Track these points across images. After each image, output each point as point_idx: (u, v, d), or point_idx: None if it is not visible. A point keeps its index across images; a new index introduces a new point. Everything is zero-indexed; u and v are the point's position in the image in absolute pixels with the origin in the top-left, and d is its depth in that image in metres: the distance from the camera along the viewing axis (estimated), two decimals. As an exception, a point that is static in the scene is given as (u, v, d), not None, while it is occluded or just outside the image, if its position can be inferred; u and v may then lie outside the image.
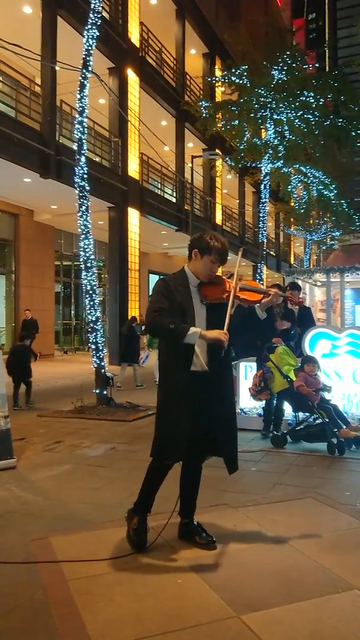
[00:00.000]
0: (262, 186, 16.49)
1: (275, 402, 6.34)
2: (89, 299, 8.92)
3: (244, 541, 3.34)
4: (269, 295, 3.16)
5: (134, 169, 17.49)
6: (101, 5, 9.40)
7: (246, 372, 7.21)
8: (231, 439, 3.27)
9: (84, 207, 8.88)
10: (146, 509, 3.29)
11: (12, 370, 8.36)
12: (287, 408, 6.37)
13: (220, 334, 3.01)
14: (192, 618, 2.47)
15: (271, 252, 31.68)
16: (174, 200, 21.09)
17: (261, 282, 16.71)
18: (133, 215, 17.34)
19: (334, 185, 18.23)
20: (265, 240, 17.29)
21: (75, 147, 9.36)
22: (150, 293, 3.23)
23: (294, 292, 7.35)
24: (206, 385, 3.13)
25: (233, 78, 14.54)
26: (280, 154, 15.14)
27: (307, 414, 5.98)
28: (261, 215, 16.98)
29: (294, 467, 5.13)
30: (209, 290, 3.18)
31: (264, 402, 6.44)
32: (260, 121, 14.55)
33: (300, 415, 6.09)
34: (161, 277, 3.30)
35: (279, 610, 2.54)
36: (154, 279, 21.89)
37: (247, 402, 7.07)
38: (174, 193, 21.38)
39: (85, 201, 8.89)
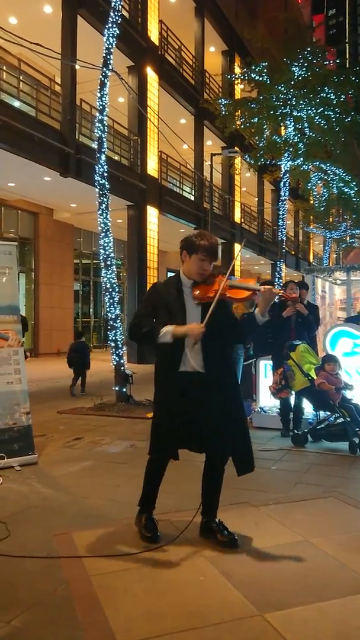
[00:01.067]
0: (282, 184, 16.39)
1: (292, 401, 6.30)
2: (108, 296, 8.95)
3: (266, 540, 3.32)
4: (257, 293, 3.11)
5: (152, 167, 17.51)
6: (121, 4, 9.41)
7: (266, 370, 7.17)
8: (240, 438, 3.21)
9: (103, 205, 8.92)
10: (150, 506, 3.35)
11: (74, 363, 9.95)
12: (307, 407, 6.32)
13: (193, 327, 3.03)
14: (214, 616, 2.45)
15: (290, 251, 31.47)
16: (192, 198, 21.06)
17: (280, 281, 16.60)
18: (152, 214, 17.37)
19: (354, 183, 18.01)
20: (284, 239, 17.18)
21: (94, 145, 9.40)
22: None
23: (302, 291, 7.28)
24: (201, 386, 3.11)
25: (253, 75, 14.46)
26: (300, 152, 15.02)
27: (328, 413, 5.93)
28: (280, 213, 16.88)
29: (315, 466, 5.08)
30: (200, 290, 3.16)
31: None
32: (280, 118, 14.45)
33: (321, 414, 6.04)
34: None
35: (303, 610, 2.52)
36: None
37: (267, 401, 7.03)
38: (193, 191, 21.35)
39: (105, 199, 8.92)
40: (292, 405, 6.31)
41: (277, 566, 2.97)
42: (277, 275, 17.45)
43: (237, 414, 3.23)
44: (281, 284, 15.63)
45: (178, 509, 3.65)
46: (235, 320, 3.26)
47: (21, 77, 12.85)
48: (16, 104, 12.49)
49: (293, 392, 6.18)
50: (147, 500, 3.36)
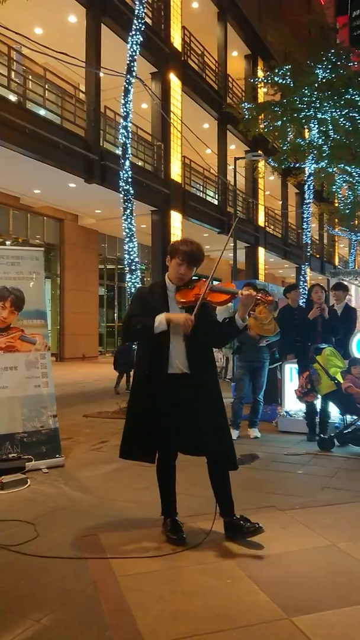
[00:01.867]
0: (306, 187, 16.28)
1: (318, 405, 6.24)
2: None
3: (293, 544, 3.30)
4: (236, 296, 3.19)
5: (176, 172, 17.59)
6: (144, 11, 9.51)
7: (291, 373, 7.12)
8: (214, 436, 3.24)
9: (128, 211, 9.00)
10: (171, 510, 3.41)
11: (120, 364, 10.71)
12: (333, 410, 6.26)
13: (184, 316, 3.10)
14: (242, 618, 2.45)
15: (315, 254, 31.20)
16: (216, 202, 21.07)
17: (305, 284, 16.46)
18: (175, 219, 17.43)
19: (380, 184, 17.81)
20: (309, 242, 17.06)
21: (119, 152, 9.50)
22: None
23: (337, 292, 7.21)
24: (186, 388, 3.20)
25: (276, 78, 14.43)
26: (324, 154, 14.91)
27: (355, 417, 5.86)
28: (305, 216, 16.76)
29: (342, 471, 5.03)
30: (182, 294, 3.25)
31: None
32: (304, 121, 14.38)
33: (348, 418, 5.98)
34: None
35: (331, 614, 2.49)
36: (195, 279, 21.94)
37: (293, 405, 6.98)
38: (216, 195, 21.36)
39: (129, 205, 9.00)
40: (318, 409, 6.25)
41: (304, 570, 2.95)
42: (302, 279, 17.30)
43: (219, 413, 3.30)
44: (306, 288, 15.52)
45: (203, 512, 3.65)
46: (216, 323, 3.34)
47: (47, 86, 13.07)
48: (42, 112, 12.70)
49: (319, 396, 6.13)
50: (165, 505, 3.44)
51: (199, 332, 3.15)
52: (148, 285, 3.47)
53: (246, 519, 3.30)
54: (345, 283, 10.56)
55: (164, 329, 3.14)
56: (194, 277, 3.36)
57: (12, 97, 11.89)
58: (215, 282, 3.40)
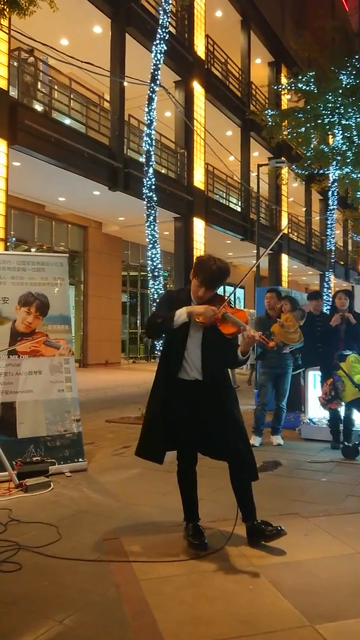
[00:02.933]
0: (330, 193, 16.18)
1: (342, 412, 6.17)
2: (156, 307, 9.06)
3: (316, 551, 3.27)
4: (243, 331, 3.15)
5: (199, 179, 17.65)
6: (168, 21, 9.62)
7: (315, 380, 7.06)
8: (230, 442, 3.26)
9: (151, 218, 9.07)
10: (193, 516, 3.41)
11: None
12: (358, 418, 6.18)
13: (205, 306, 3.17)
14: (264, 624, 2.43)
15: (339, 260, 30.91)
16: (239, 209, 21.07)
17: (329, 290, 16.32)
18: (198, 225, 17.47)
19: None
20: (333, 248, 16.92)
21: (142, 159, 9.59)
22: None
23: (314, 301, 7.24)
24: (198, 393, 3.26)
25: (299, 85, 14.41)
26: (348, 160, 14.80)
27: (380, 425, 5.77)
28: (329, 222, 16.64)
29: (366, 479, 4.96)
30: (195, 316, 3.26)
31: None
32: (327, 127, 14.31)
33: (373, 426, 5.90)
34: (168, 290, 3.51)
35: (355, 623, 2.46)
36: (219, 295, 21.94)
37: (316, 412, 6.92)
38: (239, 202, 21.36)
39: (152, 211, 9.07)
40: (342, 417, 6.18)
41: (327, 577, 2.92)
42: (326, 286, 17.17)
43: (235, 422, 3.30)
44: (330, 294, 15.38)
45: (225, 518, 3.64)
46: (230, 342, 3.27)
47: (72, 96, 13.28)
48: (67, 121, 12.90)
49: (343, 403, 6.06)
50: (187, 510, 3.45)
51: (213, 343, 3.26)
52: (177, 290, 3.54)
53: (267, 523, 3.31)
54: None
55: (185, 320, 3.19)
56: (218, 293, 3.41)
57: (39, 107, 12.11)
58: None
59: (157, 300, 3.47)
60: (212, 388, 3.28)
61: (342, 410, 6.15)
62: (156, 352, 9.44)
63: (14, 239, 15.40)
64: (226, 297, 3.35)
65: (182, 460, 3.42)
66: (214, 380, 3.30)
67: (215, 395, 3.29)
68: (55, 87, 12.94)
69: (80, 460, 5.22)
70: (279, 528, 3.24)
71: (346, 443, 5.94)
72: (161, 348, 3.72)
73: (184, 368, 3.28)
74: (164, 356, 3.43)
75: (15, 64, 11.33)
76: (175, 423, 3.32)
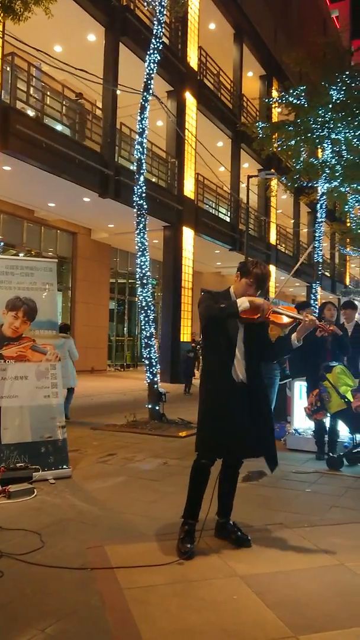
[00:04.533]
0: (319, 206, 16.33)
1: (327, 423, 6.19)
2: (144, 314, 9.04)
3: (301, 562, 3.26)
4: (299, 321, 3.38)
5: (189, 189, 17.73)
6: (162, 31, 9.69)
7: (301, 391, 7.08)
8: (268, 439, 3.50)
9: (141, 225, 9.07)
10: (192, 515, 3.42)
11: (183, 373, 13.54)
12: (343, 429, 6.20)
13: (264, 300, 3.32)
14: (248, 635, 2.42)
15: (326, 273, 31.18)
16: (228, 219, 21.19)
17: (315, 302, 16.43)
18: (187, 235, 17.53)
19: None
20: (320, 261, 17.06)
21: (133, 167, 9.61)
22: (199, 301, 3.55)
23: (347, 310, 7.23)
24: (243, 392, 3.39)
25: (290, 99, 14.57)
26: (337, 174, 14.97)
27: (365, 437, 5.80)
28: (317, 235, 16.79)
29: (351, 490, 4.97)
30: (245, 311, 3.35)
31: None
32: (317, 141, 14.47)
33: (358, 437, 5.92)
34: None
35: (340, 634, 2.46)
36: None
37: (302, 423, 6.93)
38: (229, 212, 21.49)
39: (142, 219, 9.08)
40: (328, 428, 6.20)
41: (312, 588, 2.91)
42: (313, 297, 17.28)
43: (268, 416, 3.57)
44: (317, 306, 15.50)
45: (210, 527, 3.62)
46: (269, 340, 3.56)
47: (64, 102, 13.29)
48: (58, 127, 12.90)
49: (329, 414, 6.08)
50: (189, 509, 3.44)
51: (254, 345, 3.43)
52: (215, 292, 3.59)
53: (238, 528, 3.50)
54: (356, 302, 10.55)
55: (247, 307, 3.28)
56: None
57: (31, 112, 12.11)
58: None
59: (201, 299, 3.52)
60: (255, 389, 3.43)
61: (327, 421, 6.18)
62: (143, 359, 9.40)
63: (2, 243, 15.32)
64: (267, 299, 3.50)
65: (205, 457, 3.41)
66: (257, 381, 3.46)
67: (257, 395, 3.45)
68: (48, 93, 12.96)
69: (64, 467, 5.18)
70: (247, 537, 3.46)
71: (331, 454, 5.96)
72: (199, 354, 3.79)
73: (235, 371, 3.39)
74: (212, 365, 3.47)
75: (8, 69, 11.33)
76: (213, 421, 3.38)
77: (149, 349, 9.04)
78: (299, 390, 7.11)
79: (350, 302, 7.59)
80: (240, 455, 3.55)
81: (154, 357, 9.01)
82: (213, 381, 3.45)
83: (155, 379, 8.95)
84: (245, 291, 3.41)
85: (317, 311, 14.81)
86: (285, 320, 3.41)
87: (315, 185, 16.44)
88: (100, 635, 2.41)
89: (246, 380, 3.40)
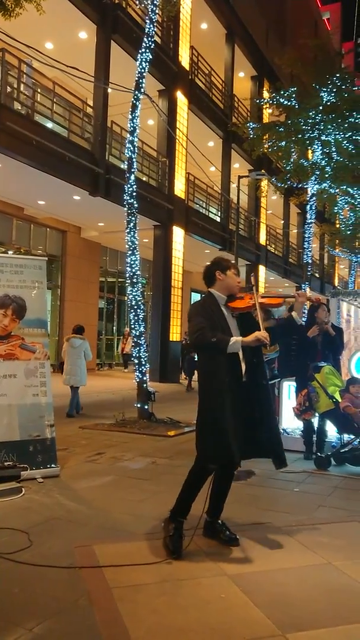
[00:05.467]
0: (308, 207, 16.41)
1: (315, 423, 6.23)
2: (133, 314, 9.03)
3: (288, 561, 3.28)
4: (285, 301, 3.69)
5: (180, 188, 17.72)
6: (154, 30, 9.68)
7: (289, 391, 7.12)
8: (275, 437, 3.56)
9: (131, 224, 9.06)
10: (182, 515, 3.44)
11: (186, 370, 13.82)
12: (331, 429, 6.24)
13: (259, 334, 3.36)
14: (236, 633, 2.43)
15: (315, 274, 31.35)
16: (218, 219, 21.22)
17: (305, 304, 16.51)
18: (178, 234, 17.52)
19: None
20: (310, 261, 17.15)
21: (124, 166, 9.59)
22: (188, 317, 3.60)
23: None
24: (245, 392, 3.42)
25: (281, 100, 14.62)
26: (327, 175, 15.06)
27: (353, 437, 5.85)
28: (306, 236, 16.87)
29: (338, 490, 5.01)
30: (235, 303, 3.58)
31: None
32: (307, 142, 14.55)
33: (345, 437, 5.96)
34: (200, 296, 3.70)
35: (326, 632, 2.48)
36: (195, 297, 21.99)
37: (290, 423, 6.96)
38: (219, 212, 21.52)
39: (133, 218, 9.07)
40: (316, 428, 6.24)
41: (299, 587, 2.93)
42: (302, 298, 17.36)
43: (272, 414, 3.62)
44: (306, 307, 15.56)
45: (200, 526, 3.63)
46: (297, 325, 3.86)
47: (55, 100, 13.22)
48: (49, 124, 12.84)
49: (317, 414, 6.12)
50: (181, 509, 3.44)
51: (254, 347, 3.47)
52: (202, 301, 3.66)
53: (227, 528, 3.53)
54: (345, 303, 10.63)
55: (238, 349, 3.37)
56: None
57: (21, 109, 12.03)
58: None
59: (190, 314, 3.53)
60: (255, 387, 3.48)
61: (315, 421, 6.22)
62: (132, 358, 9.39)
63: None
64: (251, 291, 3.61)
65: (213, 462, 3.41)
66: (257, 379, 3.51)
67: (259, 393, 3.49)
68: (38, 90, 12.88)
69: (53, 466, 5.16)
70: (235, 536, 3.48)
71: (319, 454, 6.00)
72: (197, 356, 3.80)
73: (235, 372, 3.42)
74: (217, 365, 3.43)
75: (-1, 65, 11.25)
76: (236, 426, 3.34)
77: (138, 348, 9.03)
78: (288, 390, 7.14)
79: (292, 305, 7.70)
80: (250, 456, 3.53)
81: (143, 357, 9.00)
82: (213, 383, 3.42)
83: (145, 378, 8.94)
84: (236, 281, 3.57)
85: (305, 312, 14.91)
86: (278, 300, 3.68)
87: (305, 187, 16.53)
88: (89, 634, 2.41)
89: (247, 379, 3.44)
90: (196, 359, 11.51)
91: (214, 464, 3.40)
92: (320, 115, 14.07)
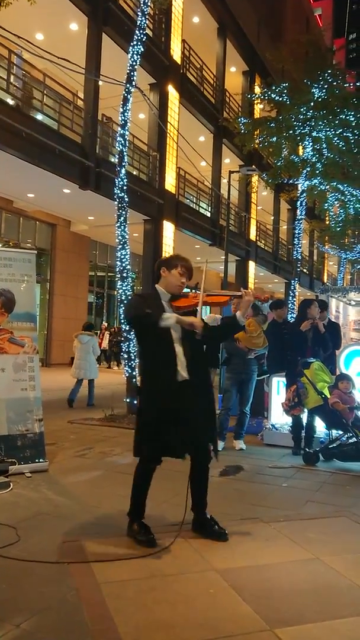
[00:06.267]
0: (299, 203, 16.43)
1: (304, 419, 6.26)
2: (123, 308, 9.00)
3: (277, 556, 3.30)
4: (238, 297, 3.47)
5: (170, 182, 17.67)
6: (146, 22, 9.60)
7: (278, 387, 7.14)
8: (209, 435, 3.54)
9: (122, 218, 9.01)
10: (140, 515, 3.49)
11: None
12: (319, 425, 6.28)
13: (194, 319, 3.34)
14: (225, 629, 2.43)
15: (304, 270, 31.45)
16: (208, 214, 21.19)
17: (294, 299, 16.56)
18: (168, 229, 17.48)
19: (371, 204, 18.00)
20: (299, 258, 17.20)
21: (114, 160, 9.53)
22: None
23: (279, 310, 7.32)
24: (186, 390, 3.37)
25: (273, 95, 14.59)
26: (317, 171, 15.07)
27: (341, 432, 5.88)
28: (296, 232, 16.90)
29: (326, 485, 5.04)
30: (179, 302, 3.50)
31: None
32: (298, 138, 14.54)
33: (334, 433, 6.00)
34: (190, 291, 3.76)
35: (314, 627, 2.49)
36: (186, 292, 21.96)
37: (279, 418, 6.99)
38: (209, 208, 21.49)
39: (123, 212, 9.02)
40: (304, 423, 6.27)
41: (287, 582, 2.94)
42: (291, 294, 17.40)
43: (212, 415, 3.60)
44: (295, 303, 15.63)
45: (188, 522, 3.63)
46: (240, 326, 3.57)
47: (45, 91, 13.10)
48: (39, 117, 12.72)
49: (306, 410, 6.15)
50: (136, 509, 3.50)
51: (196, 343, 3.44)
52: (144, 294, 3.65)
53: (215, 522, 3.52)
54: (333, 300, 10.67)
55: (171, 323, 3.33)
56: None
57: (10, 101, 11.90)
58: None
59: (131, 302, 3.55)
60: (199, 386, 3.44)
61: (304, 417, 6.24)
62: (122, 352, 9.37)
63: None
64: (199, 285, 3.59)
65: (153, 461, 3.45)
66: (200, 377, 3.46)
67: (201, 393, 3.46)
68: (28, 81, 12.74)
69: (41, 460, 5.14)
70: (223, 531, 3.48)
71: (307, 449, 6.03)
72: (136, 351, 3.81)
73: (176, 369, 3.37)
74: (152, 360, 3.49)
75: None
76: (171, 425, 3.35)
77: (127, 343, 9.01)
78: (277, 386, 7.17)
79: (322, 301, 7.73)
80: (184, 453, 3.49)
81: (132, 351, 8.98)
82: (153, 381, 3.46)
83: (134, 373, 8.92)
84: (180, 281, 3.50)
85: (292, 308, 14.95)
86: (223, 298, 3.56)
87: (295, 183, 16.53)
88: (77, 630, 2.40)
89: (189, 377, 3.39)
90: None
91: (154, 461, 3.43)
92: (311, 111, 14.06)
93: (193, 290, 3.63)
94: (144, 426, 3.43)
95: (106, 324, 19.26)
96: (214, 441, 3.59)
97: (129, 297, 3.76)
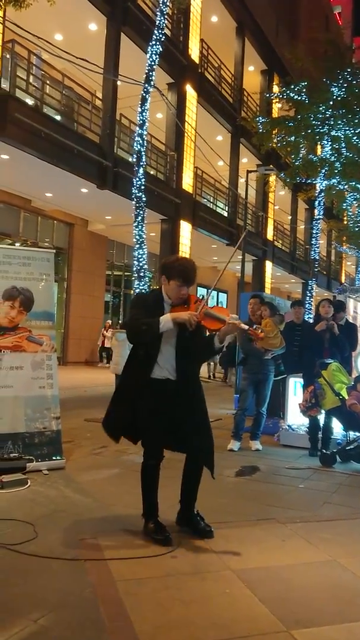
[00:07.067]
0: (316, 203, 16.32)
1: (321, 420, 6.22)
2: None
3: (293, 557, 3.28)
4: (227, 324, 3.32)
5: (187, 182, 17.67)
6: (165, 22, 9.62)
7: (295, 387, 7.11)
8: (206, 446, 3.48)
9: (139, 218, 9.05)
10: (154, 514, 3.51)
11: (223, 362, 13.08)
12: (336, 426, 6.23)
13: (188, 313, 3.28)
14: (241, 629, 2.43)
15: (322, 270, 31.22)
16: (225, 214, 21.15)
17: (311, 299, 16.44)
18: (185, 228, 17.49)
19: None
20: (317, 258, 17.08)
21: (132, 159, 9.57)
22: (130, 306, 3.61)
23: (297, 308, 7.25)
24: (171, 391, 3.39)
25: (291, 94, 14.52)
26: (336, 171, 14.96)
27: (358, 434, 5.83)
28: (314, 232, 16.79)
29: (343, 487, 5.00)
30: (177, 311, 3.37)
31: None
32: (317, 137, 14.44)
33: (351, 434, 5.95)
34: (206, 291, 3.64)
35: (330, 629, 2.47)
36: (202, 292, 21.92)
37: (296, 419, 6.96)
38: (226, 207, 21.45)
39: (141, 212, 9.06)
40: (322, 424, 6.23)
41: (304, 584, 2.93)
42: (309, 294, 17.29)
43: (203, 418, 3.52)
44: (312, 304, 15.52)
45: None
46: (213, 349, 3.48)
47: (64, 92, 13.19)
48: (58, 117, 12.81)
49: (323, 411, 6.11)
50: (150, 508, 3.52)
51: (187, 345, 3.40)
52: (147, 293, 3.63)
53: (201, 518, 3.54)
54: (352, 300, 10.57)
55: (171, 327, 3.29)
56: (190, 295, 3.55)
57: (30, 101, 12.01)
58: (210, 304, 3.57)
59: (131, 304, 3.59)
60: (185, 386, 3.43)
61: (321, 418, 6.20)
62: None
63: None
64: (202, 297, 3.50)
65: (150, 458, 3.51)
66: (187, 378, 3.45)
67: (188, 392, 3.45)
68: (47, 82, 12.85)
69: (58, 458, 5.17)
70: (211, 529, 3.47)
71: (324, 451, 5.99)
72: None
73: (155, 368, 3.39)
74: (134, 357, 3.52)
75: (8, 56, 11.22)
76: (147, 421, 3.44)
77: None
78: (294, 387, 7.13)
79: (339, 302, 7.68)
80: (178, 450, 3.57)
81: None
82: (137, 379, 3.47)
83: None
84: (179, 293, 3.39)
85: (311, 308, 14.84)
86: (216, 325, 3.36)
87: (313, 182, 16.42)
88: (93, 627, 2.41)
89: (174, 377, 3.41)
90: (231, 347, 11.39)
91: (153, 458, 3.50)
92: (330, 110, 13.96)
93: (201, 296, 3.54)
94: (114, 403, 3.58)
95: (110, 322, 19.25)
96: (205, 453, 3.48)
97: (132, 299, 3.75)
